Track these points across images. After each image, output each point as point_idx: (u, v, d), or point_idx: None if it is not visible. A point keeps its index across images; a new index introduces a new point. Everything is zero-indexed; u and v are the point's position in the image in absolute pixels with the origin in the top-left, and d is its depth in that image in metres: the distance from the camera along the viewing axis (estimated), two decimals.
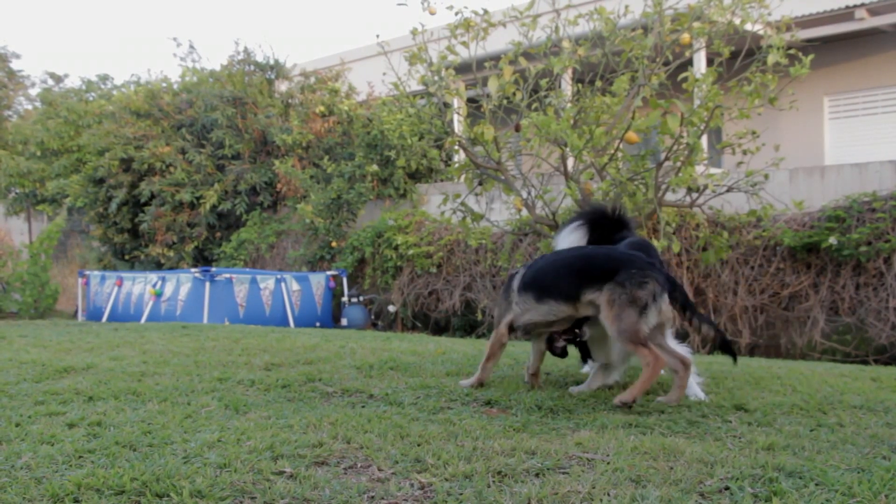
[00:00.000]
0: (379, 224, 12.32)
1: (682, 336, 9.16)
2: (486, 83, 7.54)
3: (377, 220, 12.65)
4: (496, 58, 7.69)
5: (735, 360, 3.98)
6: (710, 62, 7.80)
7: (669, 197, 7.87)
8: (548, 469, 2.46)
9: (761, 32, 7.32)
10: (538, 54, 7.63)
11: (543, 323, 3.97)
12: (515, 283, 4.03)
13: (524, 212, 8.22)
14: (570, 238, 4.44)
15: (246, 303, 11.09)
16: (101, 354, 5.38)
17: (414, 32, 7.51)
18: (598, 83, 7.62)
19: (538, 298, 3.91)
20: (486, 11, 7.61)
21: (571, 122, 7.29)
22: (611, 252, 3.94)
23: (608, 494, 2.21)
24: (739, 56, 7.19)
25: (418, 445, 2.74)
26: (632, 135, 6.96)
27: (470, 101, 8.38)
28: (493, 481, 2.34)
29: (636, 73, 7.20)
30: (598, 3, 7.75)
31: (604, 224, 4.50)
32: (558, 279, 3.88)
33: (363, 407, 3.51)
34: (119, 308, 11.88)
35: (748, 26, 7.56)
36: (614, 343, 3.85)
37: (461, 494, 2.22)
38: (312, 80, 15.09)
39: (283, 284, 11.43)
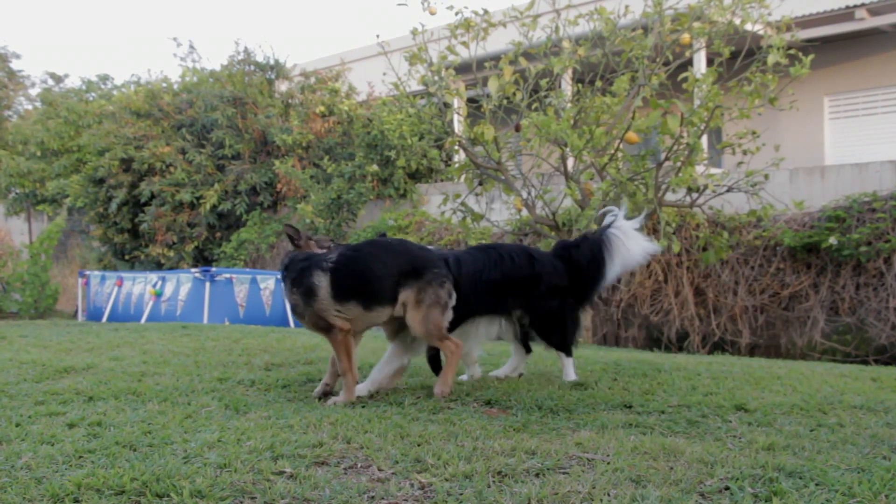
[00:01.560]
0: (379, 224, 12.32)
1: (682, 335, 9.17)
2: (486, 83, 7.54)
3: (377, 220, 12.65)
4: (496, 58, 7.69)
5: None
6: (710, 62, 7.80)
7: (669, 197, 7.87)
8: (548, 469, 2.46)
9: (761, 32, 7.31)
10: (538, 54, 7.63)
11: (367, 328, 3.98)
12: (324, 284, 3.64)
13: (524, 212, 8.22)
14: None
15: (246, 303, 11.09)
16: (101, 354, 5.38)
17: (414, 32, 7.51)
18: (598, 83, 7.62)
19: (367, 307, 3.70)
20: (486, 11, 7.61)
21: (571, 122, 7.29)
22: (415, 249, 3.90)
23: (608, 494, 2.21)
24: (739, 56, 7.19)
25: (418, 445, 2.74)
26: (632, 135, 6.96)
27: (470, 101, 8.38)
28: (493, 481, 2.34)
29: (636, 73, 7.20)
30: (598, 3, 7.74)
31: None
32: (382, 282, 3.70)
33: (363, 407, 3.51)
34: (119, 308, 11.88)
35: (748, 26, 7.56)
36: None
37: (461, 494, 2.22)
38: (312, 80, 15.10)
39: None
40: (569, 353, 4.33)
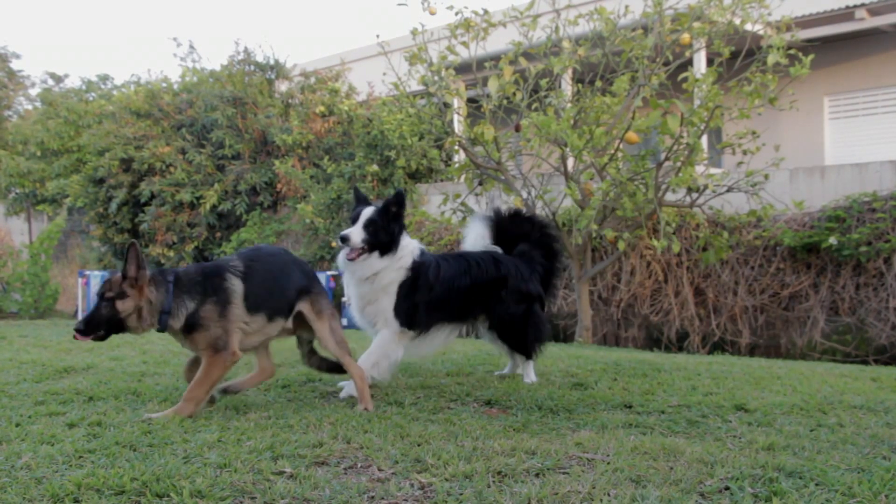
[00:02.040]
0: None
1: (682, 335, 9.17)
2: (486, 83, 7.55)
3: None
4: (496, 58, 7.69)
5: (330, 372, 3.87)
6: (710, 62, 7.81)
7: (669, 197, 7.88)
8: (548, 469, 2.46)
9: (761, 32, 7.32)
10: (538, 54, 7.63)
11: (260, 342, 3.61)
12: (237, 291, 3.28)
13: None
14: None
15: None
16: (101, 354, 5.38)
17: (414, 32, 7.52)
18: (598, 83, 7.62)
19: (270, 317, 3.44)
20: (486, 11, 7.61)
21: (571, 122, 7.29)
22: (298, 260, 3.66)
23: (608, 494, 2.21)
24: (739, 56, 7.19)
25: (418, 445, 2.74)
26: (632, 135, 6.96)
27: (470, 101, 8.38)
28: (493, 481, 2.34)
29: (636, 73, 7.20)
30: (598, 3, 7.75)
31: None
32: (284, 291, 3.47)
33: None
34: None
35: (748, 26, 7.56)
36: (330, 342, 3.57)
37: (461, 494, 2.22)
38: (312, 80, 15.09)
39: None
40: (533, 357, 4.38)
